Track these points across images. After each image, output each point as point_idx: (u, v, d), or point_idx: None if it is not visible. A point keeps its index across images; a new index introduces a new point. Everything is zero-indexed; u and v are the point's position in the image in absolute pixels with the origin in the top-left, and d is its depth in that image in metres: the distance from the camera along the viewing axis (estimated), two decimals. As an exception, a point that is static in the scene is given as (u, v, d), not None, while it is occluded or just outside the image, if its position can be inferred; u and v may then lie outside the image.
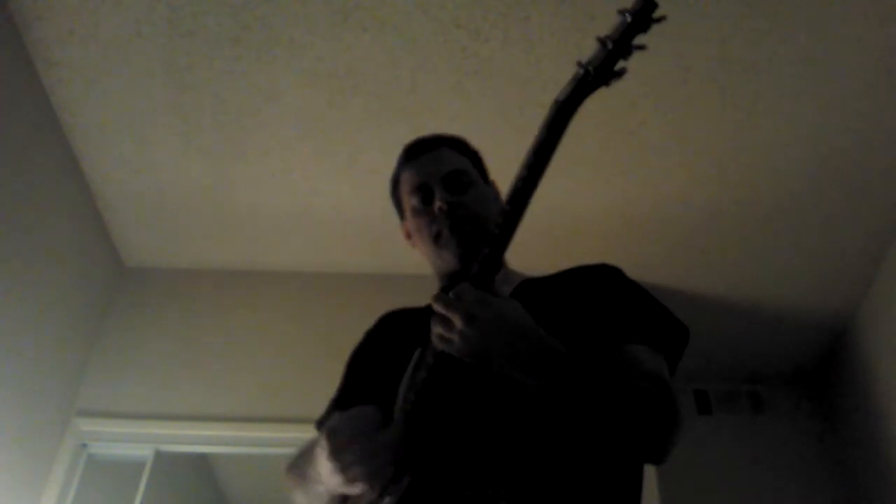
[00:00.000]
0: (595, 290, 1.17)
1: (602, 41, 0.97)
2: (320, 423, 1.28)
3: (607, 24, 2.09)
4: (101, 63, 2.45)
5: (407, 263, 3.10)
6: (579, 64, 0.99)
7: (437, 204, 1.26)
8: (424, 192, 1.30)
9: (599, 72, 0.98)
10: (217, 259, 3.20)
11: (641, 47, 0.97)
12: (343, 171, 2.79)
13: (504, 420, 1.03)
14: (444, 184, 1.29)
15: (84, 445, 2.80)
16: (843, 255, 3.02)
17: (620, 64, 0.97)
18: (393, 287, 3.08)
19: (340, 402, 1.29)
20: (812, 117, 2.54)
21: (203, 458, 3.95)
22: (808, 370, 3.58)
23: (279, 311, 3.12)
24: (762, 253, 3.05)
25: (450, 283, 1.28)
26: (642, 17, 0.95)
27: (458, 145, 1.39)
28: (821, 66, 2.39)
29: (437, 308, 0.97)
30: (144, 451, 2.82)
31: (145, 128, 2.66)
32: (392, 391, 1.10)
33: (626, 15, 0.96)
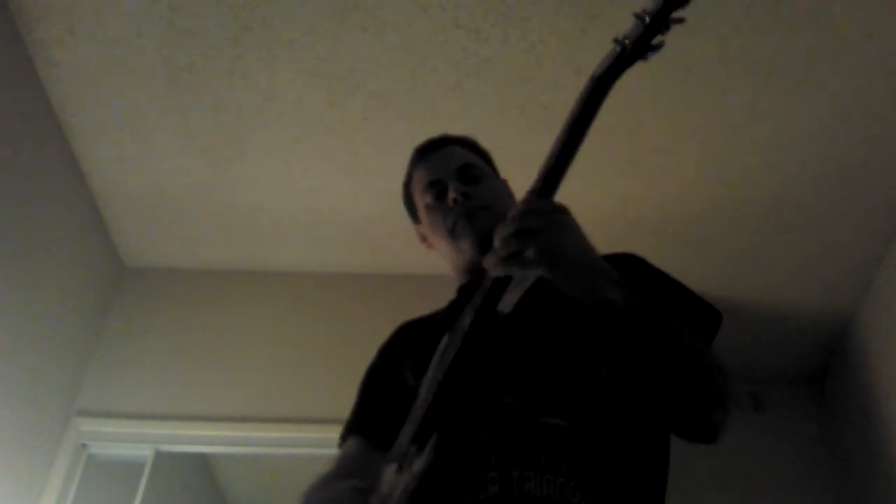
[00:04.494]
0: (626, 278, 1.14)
1: (639, 16, 0.94)
2: (341, 442, 1.27)
3: (607, 24, 2.10)
4: (101, 63, 2.45)
5: (407, 263, 3.11)
6: (615, 41, 0.97)
7: (451, 195, 1.25)
8: (438, 188, 1.30)
9: (636, 46, 0.96)
10: (217, 259, 3.20)
11: (680, 20, 0.94)
12: (343, 171, 2.79)
13: (535, 402, 1.01)
14: (457, 176, 1.29)
15: (84, 445, 2.80)
16: (843, 255, 3.02)
17: (658, 38, 0.95)
18: (393, 287, 3.09)
19: (357, 423, 1.26)
20: (812, 117, 2.54)
21: (203, 458, 3.95)
22: (808, 370, 3.58)
23: (279, 311, 3.12)
24: (762, 253, 3.05)
25: (474, 279, 1.25)
26: None
27: (467, 144, 1.40)
28: (821, 65, 2.39)
29: (515, 213, 0.93)
30: (144, 451, 2.81)
31: (145, 128, 2.66)
32: (411, 401, 1.08)
33: None
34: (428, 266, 3.01)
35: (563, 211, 0.95)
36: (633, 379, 0.99)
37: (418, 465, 0.95)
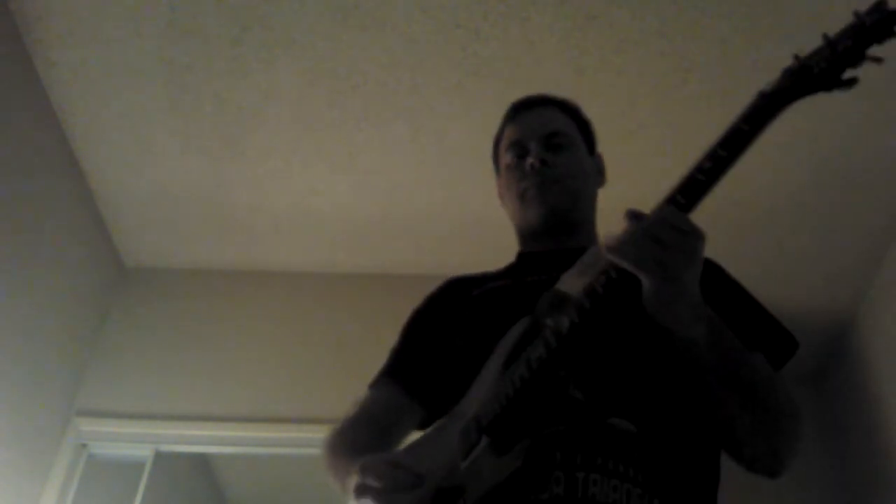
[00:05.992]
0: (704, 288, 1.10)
1: (831, 42, 0.87)
2: (373, 385, 1.26)
3: (607, 23, 2.08)
4: (101, 63, 2.45)
5: (407, 263, 3.11)
6: (797, 57, 0.90)
7: (529, 160, 1.24)
8: (520, 149, 1.29)
9: (824, 74, 0.88)
10: (217, 259, 3.20)
11: (878, 60, 0.86)
12: (342, 170, 2.79)
13: (603, 399, 0.99)
14: (541, 141, 1.27)
15: (84, 445, 2.80)
16: (843, 255, 3.02)
17: (848, 73, 0.86)
18: (393, 287, 3.09)
19: (395, 369, 1.25)
20: (812, 117, 2.54)
21: (203, 458, 3.95)
22: (808, 370, 3.57)
23: (279, 311, 3.12)
24: (762, 253, 3.04)
25: (534, 244, 1.27)
26: (883, 26, 0.84)
27: (567, 109, 1.37)
28: (821, 66, 2.39)
29: (671, 217, 0.91)
30: (144, 451, 2.81)
31: (145, 128, 2.66)
32: (464, 362, 1.08)
33: (864, 18, 0.85)
34: (428, 266, 3.02)
35: (700, 238, 0.91)
36: (702, 413, 0.99)
37: (505, 464, 0.93)
